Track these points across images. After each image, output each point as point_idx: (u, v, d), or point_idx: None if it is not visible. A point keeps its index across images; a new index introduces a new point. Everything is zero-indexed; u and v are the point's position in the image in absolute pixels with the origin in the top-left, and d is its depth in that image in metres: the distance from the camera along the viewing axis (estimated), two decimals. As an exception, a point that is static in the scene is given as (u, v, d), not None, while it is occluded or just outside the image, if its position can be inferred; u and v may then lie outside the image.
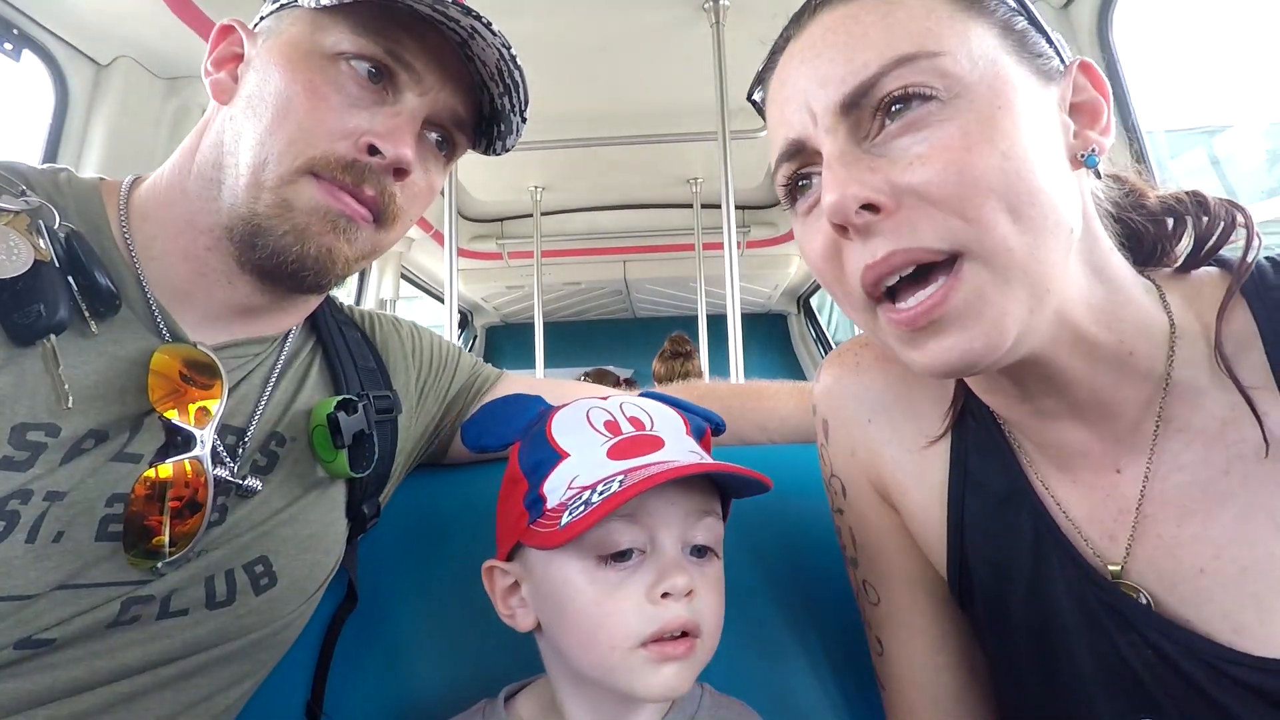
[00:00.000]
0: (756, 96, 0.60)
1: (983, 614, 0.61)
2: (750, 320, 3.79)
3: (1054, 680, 0.56)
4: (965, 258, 0.44)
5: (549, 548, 0.54)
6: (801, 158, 0.51)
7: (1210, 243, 0.55)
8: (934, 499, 0.63)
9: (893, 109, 0.46)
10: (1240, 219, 0.54)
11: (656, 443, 0.58)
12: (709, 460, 0.57)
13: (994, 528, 0.59)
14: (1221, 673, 0.46)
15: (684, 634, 0.54)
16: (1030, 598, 0.56)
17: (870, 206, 0.45)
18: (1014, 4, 0.49)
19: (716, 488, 0.61)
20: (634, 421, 0.61)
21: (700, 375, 3.39)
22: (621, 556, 0.55)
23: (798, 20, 0.53)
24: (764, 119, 0.58)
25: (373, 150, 0.62)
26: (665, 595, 0.54)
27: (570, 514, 0.52)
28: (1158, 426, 0.51)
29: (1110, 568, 0.52)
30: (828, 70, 0.48)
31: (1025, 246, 0.44)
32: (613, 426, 0.60)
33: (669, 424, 0.62)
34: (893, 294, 0.48)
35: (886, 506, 0.67)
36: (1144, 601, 0.50)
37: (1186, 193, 0.56)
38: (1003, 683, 0.63)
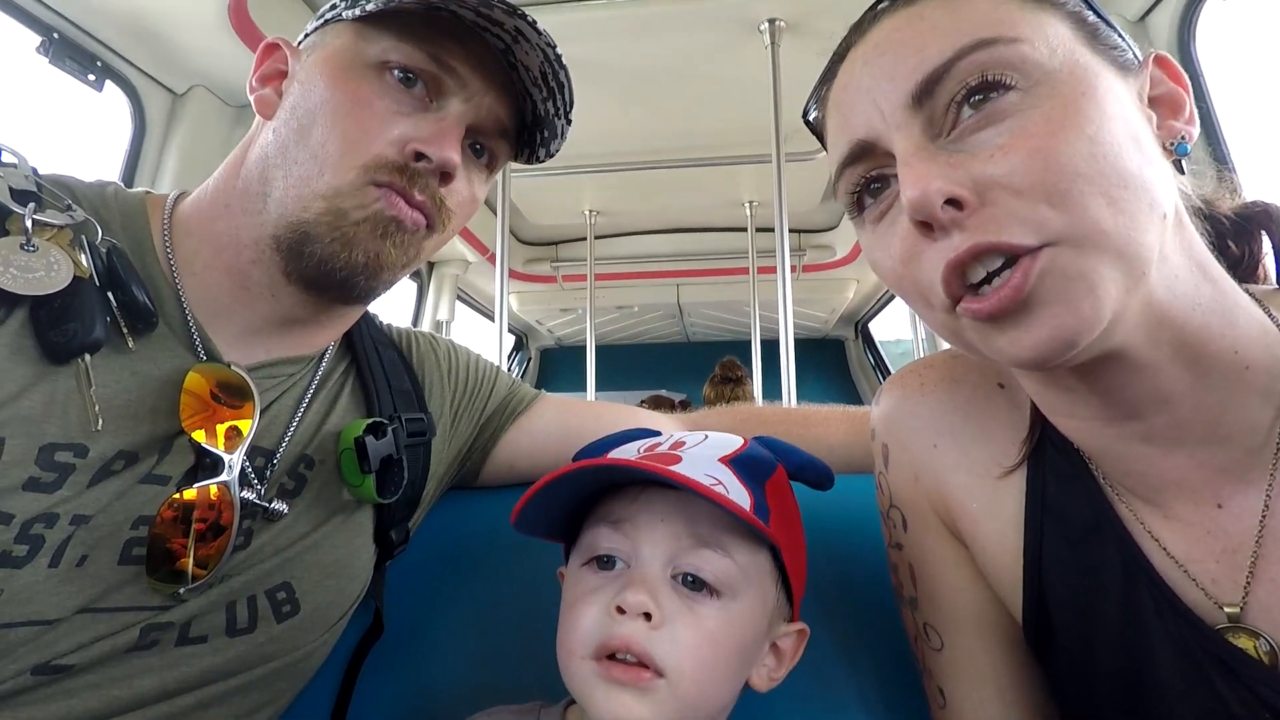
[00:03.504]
0: (812, 116, 0.57)
1: (1064, 662, 0.56)
2: (806, 345, 3.71)
3: None
4: (1049, 247, 0.41)
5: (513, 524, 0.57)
6: (869, 161, 0.49)
7: None
8: (1009, 533, 0.57)
9: (971, 100, 0.43)
10: None
11: (672, 459, 0.56)
12: (703, 482, 0.52)
13: (1077, 565, 0.54)
14: None
15: (642, 663, 0.50)
16: (1120, 644, 0.51)
17: (954, 202, 0.42)
18: None
19: (740, 526, 0.55)
20: (677, 444, 0.59)
21: (750, 399, 3.32)
22: (606, 563, 0.55)
23: (859, 27, 0.51)
24: (820, 139, 0.56)
25: (419, 156, 0.62)
26: (621, 610, 0.51)
27: None
28: (1277, 453, 0.46)
29: (1227, 610, 0.46)
30: (895, 65, 0.46)
31: (1121, 227, 0.41)
32: (653, 447, 0.59)
33: (708, 449, 0.58)
34: (975, 291, 0.44)
35: (953, 539, 0.62)
36: (1264, 653, 0.45)
37: (1253, 203, 0.54)
38: None
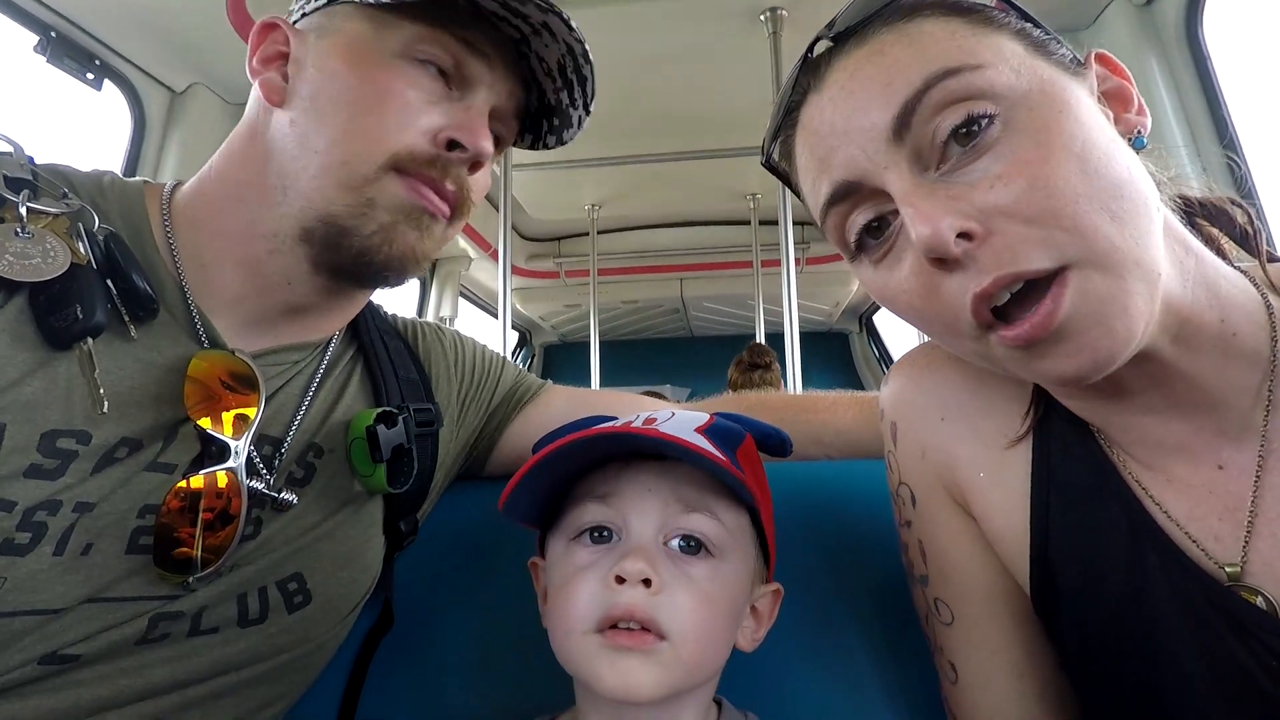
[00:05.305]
0: (773, 161, 0.58)
1: (1069, 624, 0.56)
2: (810, 339, 3.69)
3: (1158, 693, 0.50)
4: (1072, 268, 0.42)
5: (501, 509, 0.56)
6: (855, 199, 0.49)
7: (1238, 238, 0.54)
8: (1015, 501, 0.58)
9: (957, 135, 0.44)
10: (1239, 215, 0.55)
11: (651, 432, 0.55)
12: (687, 440, 0.53)
13: (1083, 528, 0.54)
14: None
15: (645, 629, 0.51)
16: (1126, 600, 0.51)
17: (964, 234, 0.43)
18: (1017, 14, 0.49)
19: (724, 487, 0.57)
20: (649, 420, 0.59)
21: (778, 387, 3.21)
22: (598, 538, 0.55)
23: (814, 70, 0.51)
24: (787, 182, 0.57)
25: (451, 145, 0.62)
26: (620, 580, 0.51)
27: None
28: (1267, 413, 0.47)
29: (1228, 569, 0.47)
30: (868, 103, 0.46)
31: (1129, 239, 0.42)
32: (627, 425, 0.58)
33: (680, 422, 0.58)
34: (1001, 315, 0.45)
35: (961, 512, 0.63)
36: (1264, 606, 0.46)
37: (1179, 196, 0.55)
38: (1094, 703, 0.57)
